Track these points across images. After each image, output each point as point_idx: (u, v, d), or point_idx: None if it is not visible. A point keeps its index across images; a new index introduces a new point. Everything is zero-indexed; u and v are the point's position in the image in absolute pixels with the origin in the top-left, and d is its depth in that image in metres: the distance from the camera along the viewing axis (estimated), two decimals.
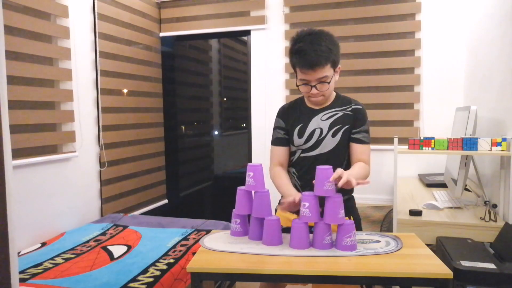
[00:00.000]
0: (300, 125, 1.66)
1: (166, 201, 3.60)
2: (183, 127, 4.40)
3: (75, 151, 2.60)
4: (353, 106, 1.65)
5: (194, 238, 2.29)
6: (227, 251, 1.39)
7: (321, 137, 1.62)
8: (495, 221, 1.80)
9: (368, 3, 3.07)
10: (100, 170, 2.83)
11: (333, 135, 1.62)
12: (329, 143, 1.62)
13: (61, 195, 2.50)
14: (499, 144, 1.83)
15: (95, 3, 2.75)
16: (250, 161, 3.45)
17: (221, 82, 5.26)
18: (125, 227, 2.51)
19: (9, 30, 2.17)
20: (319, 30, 1.56)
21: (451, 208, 2.04)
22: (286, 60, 3.27)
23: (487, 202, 1.97)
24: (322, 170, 1.39)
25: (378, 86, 3.09)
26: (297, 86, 1.60)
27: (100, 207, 2.85)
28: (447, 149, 1.89)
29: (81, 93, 2.66)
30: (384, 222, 2.90)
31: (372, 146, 3.14)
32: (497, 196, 1.98)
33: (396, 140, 1.96)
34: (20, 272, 1.80)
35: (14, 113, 2.18)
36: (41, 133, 2.36)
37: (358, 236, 1.52)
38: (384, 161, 3.06)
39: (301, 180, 1.68)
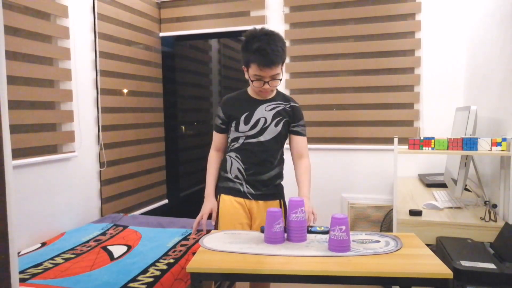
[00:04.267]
0: (246, 113, 1.79)
1: (166, 201, 3.60)
2: (183, 127, 4.41)
3: (74, 151, 2.60)
4: (291, 104, 1.84)
5: (194, 238, 2.29)
6: (227, 251, 1.39)
7: (265, 125, 1.79)
8: (495, 221, 1.80)
9: (368, 3, 3.06)
10: (100, 170, 2.83)
11: (276, 125, 1.80)
12: (272, 131, 1.79)
13: (61, 195, 2.50)
14: (499, 144, 1.83)
15: (95, 3, 2.75)
16: None
17: (221, 82, 5.25)
18: (125, 227, 2.51)
19: (9, 30, 2.17)
20: (272, 31, 1.70)
21: (451, 208, 2.04)
22: (287, 60, 3.26)
23: (487, 202, 1.97)
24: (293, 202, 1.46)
25: (378, 86, 3.09)
26: (251, 81, 1.72)
27: (100, 207, 2.85)
28: (447, 149, 1.89)
29: (81, 93, 2.66)
30: (384, 222, 2.90)
31: (372, 146, 3.17)
32: (497, 196, 1.98)
33: (396, 140, 1.96)
34: (20, 272, 1.80)
35: (14, 113, 2.18)
36: (41, 133, 2.36)
37: (358, 236, 1.52)
38: (384, 161, 3.06)
39: (244, 164, 1.80)
